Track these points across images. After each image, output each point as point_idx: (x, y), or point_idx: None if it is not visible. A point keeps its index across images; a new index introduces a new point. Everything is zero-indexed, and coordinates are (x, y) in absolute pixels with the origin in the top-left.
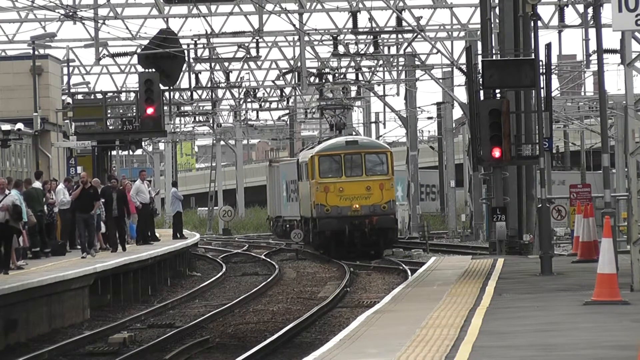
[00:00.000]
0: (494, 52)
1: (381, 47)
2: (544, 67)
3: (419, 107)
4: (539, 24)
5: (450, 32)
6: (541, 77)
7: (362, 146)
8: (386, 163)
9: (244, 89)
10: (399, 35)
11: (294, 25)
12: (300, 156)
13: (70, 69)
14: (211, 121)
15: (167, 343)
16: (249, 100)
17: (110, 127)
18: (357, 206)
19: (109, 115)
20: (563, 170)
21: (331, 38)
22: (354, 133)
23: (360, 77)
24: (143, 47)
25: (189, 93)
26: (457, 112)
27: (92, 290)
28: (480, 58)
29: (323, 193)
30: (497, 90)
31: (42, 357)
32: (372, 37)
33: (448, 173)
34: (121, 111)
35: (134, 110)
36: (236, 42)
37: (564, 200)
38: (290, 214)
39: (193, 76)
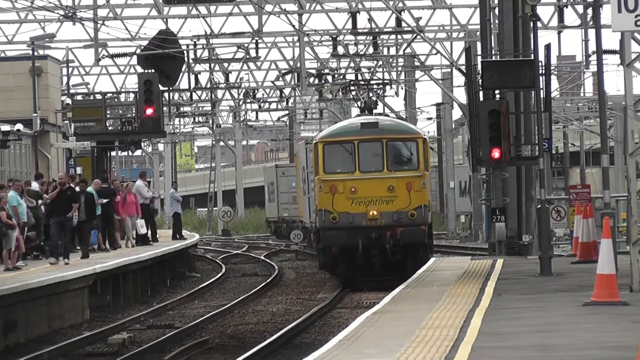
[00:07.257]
0: (493, 52)
1: (380, 47)
2: (543, 68)
3: (419, 108)
4: (539, 24)
5: (449, 33)
6: (540, 77)
7: (383, 130)
8: (417, 154)
9: (244, 90)
10: (399, 36)
11: (293, 26)
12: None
13: (70, 69)
14: (210, 122)
15: (167, 344)
16: (248, 100)
17: (110, 128)
18: (376, 213)
19: (108, 116)
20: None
21: (330, 39)
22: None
23: (360, 78)
24: (142, 47)
25: (188, 94)
26: (457, 113)
27: (91, 291)
28: (479, 59)
29: (328, 194)
30: (497, 91)
31: (41, 357)
32: (371, 37)
33: (447, 174)
34: (120, 112)
35: (134, 111)
36: (235, 43)
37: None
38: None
39: (192, 77)
